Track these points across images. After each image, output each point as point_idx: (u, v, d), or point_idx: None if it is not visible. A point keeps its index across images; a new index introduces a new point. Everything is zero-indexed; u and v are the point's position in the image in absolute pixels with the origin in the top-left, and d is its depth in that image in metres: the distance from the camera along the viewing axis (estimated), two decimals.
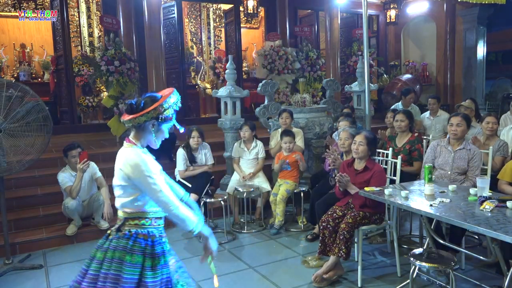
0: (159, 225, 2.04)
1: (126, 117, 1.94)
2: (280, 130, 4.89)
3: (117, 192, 2.00)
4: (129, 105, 1.95)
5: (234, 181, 4.78)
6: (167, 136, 2.05)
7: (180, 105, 2.00)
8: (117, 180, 1.98)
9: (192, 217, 1.97)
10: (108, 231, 2.05)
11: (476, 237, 3.97)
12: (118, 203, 2.01)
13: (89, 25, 9.60)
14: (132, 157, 1.93)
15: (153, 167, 1.94)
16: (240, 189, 4.55)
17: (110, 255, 1.93)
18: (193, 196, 4.46)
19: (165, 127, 2.01)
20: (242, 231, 4.56)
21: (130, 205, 1.97)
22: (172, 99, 1.94)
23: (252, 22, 11.61)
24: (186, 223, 1.95)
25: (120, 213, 2.01)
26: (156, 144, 2.03)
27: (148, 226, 1.99)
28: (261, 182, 4.72)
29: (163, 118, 1.93)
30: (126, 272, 1.88)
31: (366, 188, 3.15)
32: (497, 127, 4.13)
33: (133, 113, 1.92)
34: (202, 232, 2.00)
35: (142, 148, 2.00)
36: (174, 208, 1.92)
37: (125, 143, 2.02)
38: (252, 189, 4.57)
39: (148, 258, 1.94)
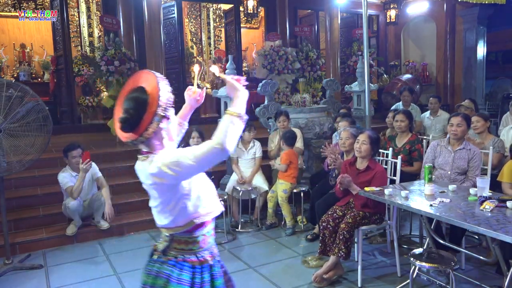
0: (209, 243, 1.73)
1: (131, 137, 1.57)
2: (279, 132, 4.88)
3: (159, 211, 1.68)
4: (124, 121, 1.56)
5: (232, 181, 4.78)
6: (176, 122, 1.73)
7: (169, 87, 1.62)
8: (155, 199, 1.65)
9: (228, 117, 1.51)
10: (154, 247, 1.76)
11: (476, 237, 3.97)
12: (163, 221, 1.68)
13: (89, 25, 9.61)
14: (154, 166, 1.55)
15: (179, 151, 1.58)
16: (239, 189, 4.55)
17: (151, 282, 1.65)
18: None
19: (171, 113, 1.62)
20: (242, 231, 4.56)
21: (179, 218, 1.64)
22: (162, 88, 1.56)
23: (252, 22, 11.62)
24: (235, 127, 1.50)
25: (165, 232, 1.70)
26: (175, 137, 1.72)
27: (196, 250, 1.68)
28: (260, 182, 4.72)
29: (167, 113, 1.58)
30: None
31: (366, 188, 3.15)
32: (482, 125, 4.12)
33: (136, 125, 1.55)
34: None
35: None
36: (219, 141, 1.47)
37: (141, 156, 1.65)
38: (250, 189, 4.56)
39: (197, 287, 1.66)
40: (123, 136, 1.60)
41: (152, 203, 1.70)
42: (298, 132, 4.93)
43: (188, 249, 1.68)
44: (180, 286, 1.63)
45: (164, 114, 1.55)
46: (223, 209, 1.76)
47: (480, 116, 4.16)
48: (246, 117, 1.54)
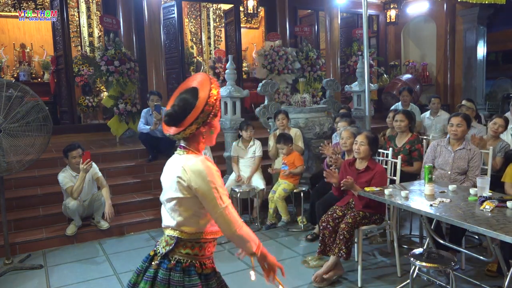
0: (211, 253, 1.75)
1: (173, 130, 1.64)
2: (277, 132, 4.89)
3: (171, 207, 1.67)
4: (169, 115, 1.63)
5: (231, 180, 4.79)
6: (219, 129, 1.78)
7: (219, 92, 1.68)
8: (171, 193, 1.65)
9: (255, 237, 1.71)
10: (151, 253, 1.73)
11: (476, 237, 3.97)
12: (171, 221, 1.68)
13: (89, 25, 9.60)
14: (194, 163, 1.62)
15: (219, 178, 1.64)
16: (236, 189, 4.54)
17: None
18: None
19: (216, 121, 1.71)
20: None
21: (188, 222, 1.65)
22: (212, 96, 1.61)
23: (252, 22, 11.61)
24: (250, 245, 1.68)
25: (170, 234, 1.68)
26: (214, 142, 1.77)
27: (201, 256, 1.69)
28: (257, 181, 4.73)
29: (213, 115, 1.63)
30: None
31: (366, 188, 3.15)
32: (502, 131, 4.10)
33: (178, 122, 1.62)
34: (264, 252, 1.75)
35: (202, 155, 1.71)
36: (238, 228, 1.64)
37: (179, 150, 1.72)
38: (248, 190, 4.56)
39: None
40: (165, 128, 1.68)
41: (167, 195, 1.69)
42: (298, 131, 4.94)
43: (194, 254, 1.67)
44: None
45: (204, 120, 1.61)
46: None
47: (504, 120, 4.12)
48: (251, 257, 1.73)
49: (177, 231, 1.66)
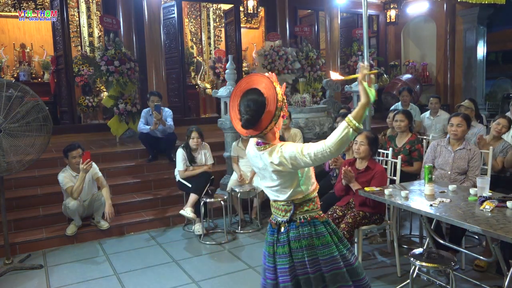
0: (320, 205, 2.06)
1: (251, 133, 1.87)
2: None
3: (277, 189, 1.96)
4: (248, 121, 1.83)
5: (233, 180, 4.79)
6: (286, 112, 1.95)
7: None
8: (272, 181, 1.94)
9: (344, 128, 1.72)
10: (273, 226, 2.02)
11: (476, 237, 3.97)
12: (281, 196, 1.96)
13: (89, 25, 9.60)
14: (277, 152, 1.85)
15: (292, 144, 1.86)
16: (237, 189, 4.55)
17: (297, 245, 1.92)
18: (193, 196, 4.47)
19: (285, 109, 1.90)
20: (242, 231, 4.56)
21: (296, 193, 1.94)
22: (278, 91, 1.82)
23: (252, 22, 11.62)
24: (349, 135, 1.73)
25: (284, 204, 1.97)
26: (280, 126, 1.97)
27: (316, 209, 2.01)
28: (257, 181, 4.73)
29: (283, 113, 1.86)
30: (322, 253, 1.91)
31: (366, 188, 3.15)
32: (506, 131, 4.08)
33: (256, 123, 1.84)
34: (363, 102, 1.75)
35: (277, 141, 1.95)
36: (331, 146, 1.73)
37: (258, 146, 1.94)
38: (248, 189, 4.56)
39: (334, 235, 1.98)
40: (243, 131, 1.89)
41: (268, 184, 1.99)
42: (298, 132, 4.94)
43: (311, 209, 1.98)
44: (323, 238, 1.93)
45: (280, 114, 1.83)
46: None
47: (508, 121, 4.11)
48: (361, 128, 1.76)
49: (287, 202, 1.96)
